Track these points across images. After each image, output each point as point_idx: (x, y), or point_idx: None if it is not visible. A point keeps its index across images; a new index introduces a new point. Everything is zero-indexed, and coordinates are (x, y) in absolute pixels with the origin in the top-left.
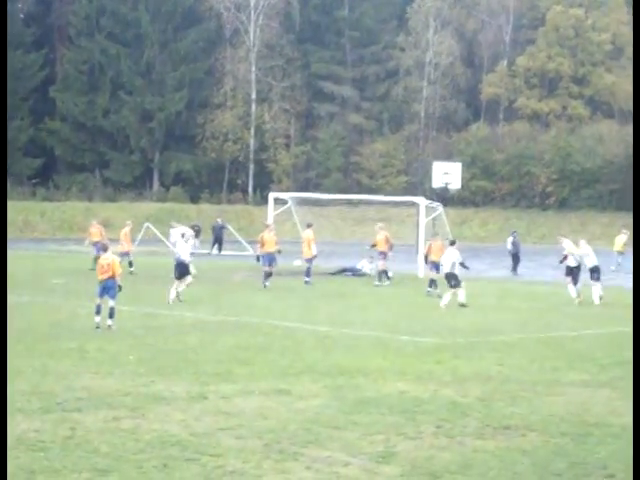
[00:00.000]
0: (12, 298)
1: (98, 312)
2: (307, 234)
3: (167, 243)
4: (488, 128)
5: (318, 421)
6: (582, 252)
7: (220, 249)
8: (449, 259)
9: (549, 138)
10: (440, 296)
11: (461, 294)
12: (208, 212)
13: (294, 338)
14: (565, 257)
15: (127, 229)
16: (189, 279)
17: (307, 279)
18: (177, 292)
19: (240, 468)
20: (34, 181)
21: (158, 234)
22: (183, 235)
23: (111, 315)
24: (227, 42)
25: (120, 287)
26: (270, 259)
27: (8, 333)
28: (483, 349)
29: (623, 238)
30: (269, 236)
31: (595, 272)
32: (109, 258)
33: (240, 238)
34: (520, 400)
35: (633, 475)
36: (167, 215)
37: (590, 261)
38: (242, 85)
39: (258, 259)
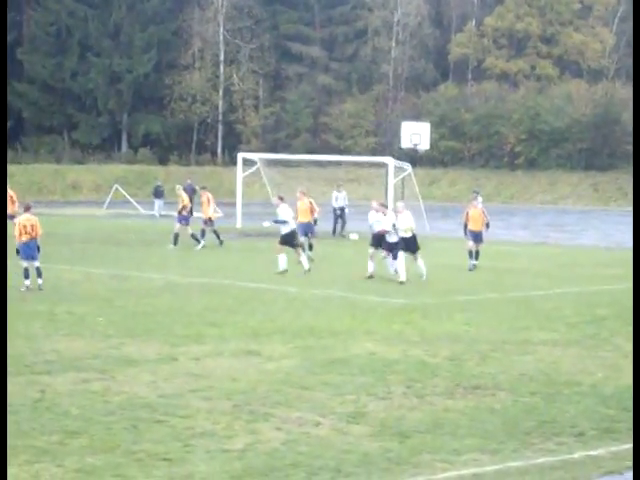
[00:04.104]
0: None
1: (27, 276)
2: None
3: (135, 204)
4: (456, 88)
5: (288, 382)
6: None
7: (191, 211)
8: (373, 218)
9: (518, 98)
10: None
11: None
12: (177, 174)
13: (263, 299)
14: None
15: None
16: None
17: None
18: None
19: (210, 429)
20: None
21: (127, 196)
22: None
23: (40, 274)
24: (195, 3)
25: (39, 248)
26: (306, 229)
27: None
28: (452, 309)
29: None
30: (303, 204)
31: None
32: (32, 219)
33: None
34: (490, 360)
35: (633, 475)
36: (136, 177)
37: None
38: (210, 46)
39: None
